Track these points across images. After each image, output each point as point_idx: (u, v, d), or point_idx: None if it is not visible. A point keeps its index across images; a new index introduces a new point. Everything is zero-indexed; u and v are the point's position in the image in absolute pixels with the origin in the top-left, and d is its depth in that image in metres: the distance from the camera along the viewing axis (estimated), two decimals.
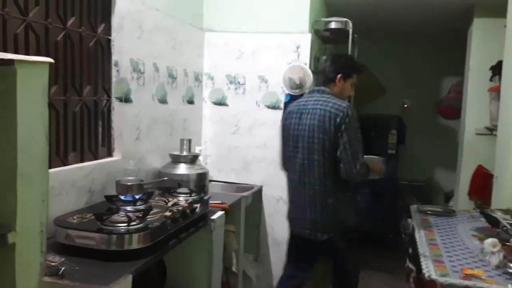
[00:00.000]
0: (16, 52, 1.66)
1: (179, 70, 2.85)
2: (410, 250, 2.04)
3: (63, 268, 1.42)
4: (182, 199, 2.15)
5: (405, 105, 5.06)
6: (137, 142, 2.43)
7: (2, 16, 1.59)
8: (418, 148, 4.98)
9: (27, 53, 1.69)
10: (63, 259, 1.49)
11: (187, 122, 3.00)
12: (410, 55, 4.92)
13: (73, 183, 1.92)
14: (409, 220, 2.39)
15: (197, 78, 3.14)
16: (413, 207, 2.78)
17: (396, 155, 4.42)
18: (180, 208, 1.97)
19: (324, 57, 3.24)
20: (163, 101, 2.68)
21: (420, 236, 2.14)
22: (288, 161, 2.37)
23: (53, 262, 1.45)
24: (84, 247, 1.58)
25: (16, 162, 1.25)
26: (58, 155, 1.91)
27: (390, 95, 5.00)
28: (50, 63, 1.36)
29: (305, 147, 2.22)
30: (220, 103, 3.19)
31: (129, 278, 1.45)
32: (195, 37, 3.06)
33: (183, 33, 2.86)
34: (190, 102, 3.07)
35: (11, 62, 1.23)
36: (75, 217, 1.74)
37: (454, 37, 4.26)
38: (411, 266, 2.02)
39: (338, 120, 2.11)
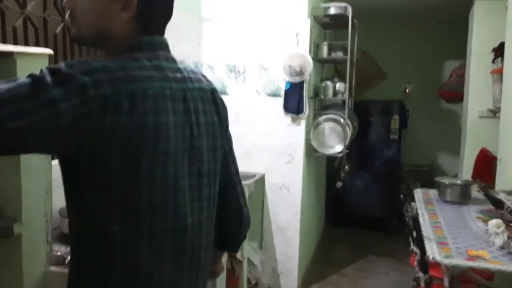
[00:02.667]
0: (15, 44, 1.65)
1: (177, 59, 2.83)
2: (414, 234, 2.05)
3: (69, 257, 1.43)
4: None
5: (407, 90, 5.03)
6: None
7: (0, 9, 1.59)
8: (420, 133, 4.97)
9: (26, 45, 1.69)
10: (68, 248, 1.51)
11: None
12: (411, 39, 4.88)
13: None
14: (412, 203, 2.40)
15: (196, 68, 3.13)
16: (417, 191, 2.79)
17: (398, 140, 4.42)
18: None
19: (325, 43, 3.22)
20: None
21: (424, 219, 2.15)
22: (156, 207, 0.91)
23: (59, 251, 1.46)
24: None
25: (19, 157, 1.26)
26: None
27: (391, 80, 4.97)
28: (49, 55, 1.37)
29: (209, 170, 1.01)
30: (220, 92, 3.17)
31: None
32: (193, 26, 3.04)
33: (181, 22, 2.84)
34: None
35: (10, 54, 1.23)
36: None
37: (456, 20, 4.22)
38: (415, 249, 2.03)
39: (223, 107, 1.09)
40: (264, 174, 3.11)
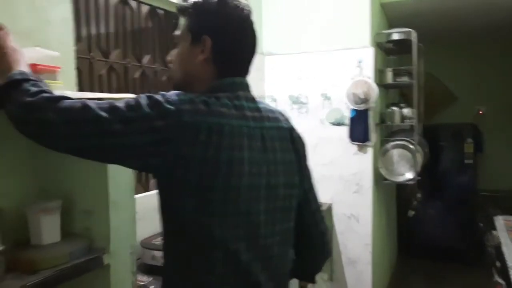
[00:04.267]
0: (101, 90, 1.84)
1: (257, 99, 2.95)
2: (498, 264, 1.92)
3: (152, 287, 1.52)
4: None
5: (480, 112, 4.78)
6: None
7: (89, 60, 1.79)
8: (498, 156, 4.66)
9: (109, 91, 1.87)
10: (150, 279, 1.60)
11: None
12: (481, 59, 4.67)
13: (154, 208, 2.05)
14: (494, 232, 2.25)
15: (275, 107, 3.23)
16: (498, 219, 2.62)
17: (474, 165, 4.18)
18: None
19: (389, 69, 3.19)
20: None
21: (508, 248, 2.01)
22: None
23: (142, 281, 1.55)
24: None
25: (107, 191, 1.38)
26: (140, 182, 2.06)
27: (462, 102, 4.76)
28: None
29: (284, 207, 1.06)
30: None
31: None
32: (256, 62, 3.15)
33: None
34: None
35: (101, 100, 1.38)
36: (159, 239, 1.86)
37: None
38: (500, 280, 1.89)
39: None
40: (331, 204, 3.09)
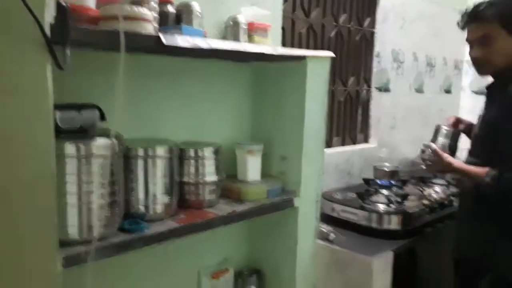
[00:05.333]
0: (300, 47, 1.96)
1: (438, 58, 2.76)
2: None
3: (332, 235, 1.64)
4: (438, 190, 2.13)
5: None
6: (392, 130, 2.50)
7: (291, 19, 1.91)
8: None
9: (308, 48, 1.98)
10: (331, 227, 1.71)
11: (442, 112, 2.88)
12: None
13: (336, 164, 2.15)
14: None
15: (457, 66, 2.97)
16: None
17: None
18: (437, 198, 1.96)
19: None
20: (419, 90, 2.66)
21: None
22: None
23: (324, 228, 1.68)
24: (347, 220, 1.77)
25: (302, 141, 1.51)
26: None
27: None
28: (331, 57, 1.58)
29: None
30: (482, 92, 2.92)
31: (391, 254, 1.55)
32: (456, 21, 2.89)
33: (446, 19, 2.74)
34: (447, 91, 2.93)
35: (303, 57, 1.48)
36: (338, 193, 1.96)
37: None
38: None
39: None
40: None
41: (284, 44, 1.84)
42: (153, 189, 1.14)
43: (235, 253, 1.65)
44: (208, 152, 1.29)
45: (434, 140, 1.71)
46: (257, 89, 1.63)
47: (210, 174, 1.30)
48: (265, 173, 1.56)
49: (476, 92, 2.96)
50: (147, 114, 1.34)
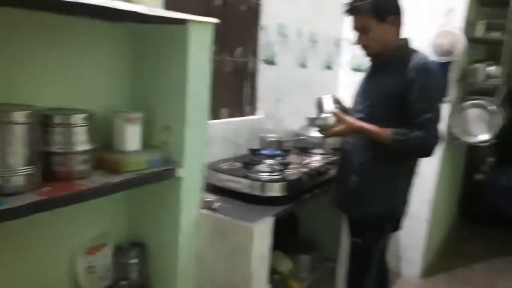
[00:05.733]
0: (184, 12, 1.88)
1: (320, 35, 2.90)
2: None
3: (216, 204, 1.64)
4: (317, 159, 2.26)
5: None
6: (278, 103, 2.58)
7: None
8: None
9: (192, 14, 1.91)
10: (216, 197, 1.72)
11: (324, 87, 3.05)
12: None
13: (223, 135, 2.15)
14: None
15: (337, 44, 3.15)
16: None
17: None
18: (316, 166, 2.08)
19: (481, 22, 2.95)
20: (303, 65, 2.77)
21: None
22: None
23: (208, 198, 1.67)
24: (232, 190, 1.79)
25: (185, 110, 1.48)
26: (212, 109, 2.14)
27: None
28: (214, 24, 1.55)
29: None
30: (359, 69, 3.16)
31: (271, 220, 1.61)
32: (338, 1, 3.05)
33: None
34: (329, 67, 3.11)
35: (185, 21, 1.43)
36: (225, 164, 1.97)
37: None
38: None
39: None
40: None
41: (167, 7, 1.75)
42: (10, 160, 1.02)
43: (115, 227, 1.58)
44: (78, 119, 1.18)
45: (320, 111, 1.81)
46: (136, 53, 1.54)
47: (81, 143, 1.20)
48: (147, 143, 1.50)
49: (354, 69, 3.19)
50: (6, 77, 1.18)
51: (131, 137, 1.43)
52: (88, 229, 1.48)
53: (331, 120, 1.75)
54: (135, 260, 1.53)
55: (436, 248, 3.45)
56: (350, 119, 1.75)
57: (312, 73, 2.89)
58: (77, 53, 1.36)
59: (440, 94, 1.66)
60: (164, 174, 1.44)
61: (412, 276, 3.05)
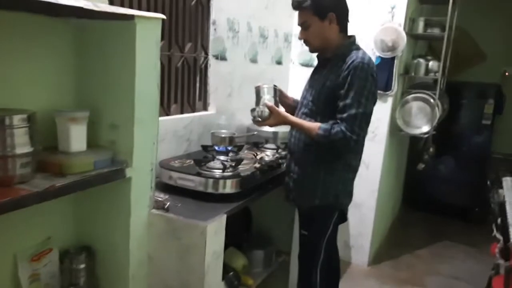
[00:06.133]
0: (130, 8, 1.82)
1: (270, 30, 2.91)
2: (499, 221, 1.98)
3: (168, 204, 1.61)
4: (269, 154, 2.28)
5: (506, 73, 4.65)
6: (229, 98, 2.57)
7: None
8: None
9: (139, 10, 1.85)
10: (167, 196, 1.69)
11: (274, 82, 3.07)
12: None
13: (174, 132, 2.11)
14: (500, 190, 2.29)
15: (287, 39, 3.18)
16: (506, 179, 2.64)
17: (491, 126, 4.14)
18: (268, 161, 2.09)
19: (421, 19, 3.09)
20: (254, 60, 2.77)
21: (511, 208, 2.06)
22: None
23: (159, 197, 1.64)
24: (184, 188, 1.77)
25: (134, 108, 1.43)
26: (163, 106, 2.10)
27: (490, 62, 4.61)
28: (162, 19, 1.51)
29: None
30: (308, 64, 3.22)
31: (224, 217, 1.60)
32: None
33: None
34: (279, 62, 3.13)
35: (131, 17, 1.38)
36: (176, 161, 1.94)
37: None
38: (498, 236, 1.96)
39: None
40: None
41: (114, 3, 1.69)
42: None
43: (61, 231, 1.51)
44: (16, 120, 1.11)
45: (258, 100, 1.82)
46: (81, 50, 1.47)
47: (20, 146, 1.13)
48: (93, 143, 1.45)
49: (303, 64, 3.24)
50: None
51: (76, 137, 1.37)
52: (32, 234, 1.40)
53: (265, 112, 1.78)
54: (83, 265, 1.47)
55: (382, 236, 3.61)
56: (283, 113, 1.81)
57: (263, 68, 2.90)
58: (15, 49, 1.28)
59: (370, 92, 1.67)
60: (112, 175, 1.39)
61: (361, 264, 3.17)
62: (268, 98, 1.83)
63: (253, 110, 1.82)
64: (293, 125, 1.83)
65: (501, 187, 2.46)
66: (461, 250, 3.57)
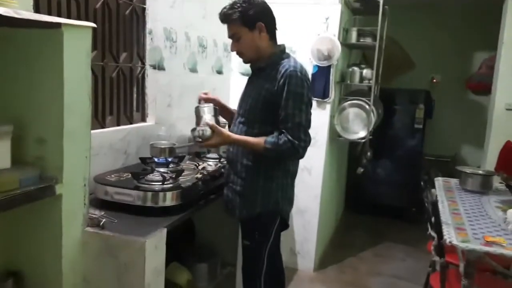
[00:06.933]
0: (59, 16, 1.74)
1: (209, 40, 2.90)
2: (433, 219, 2.08)
3: (103, 220, 1.54)
4: (211, 164, 2.25)
5: (434, 80, 4.97)
6: (169, 108, 2.52)
7: None
8: (445, 124, 4.92)
9: (68, 18, 1.77)
10: (102, 212, 1.61)
11: (216, 91, 3.06)
12: (441, 28, 4.80)
13: (110, 145, 2.03)
14: (432, 190, 2.42)
15: (226, 49, 3.19)
16: (438, 180, 2.80)
17: (422, 130, 4.39)
18: (210, 171, 2.07)
19: (354, 29, 3.22)
20: (193, 70, 2.75)
21: (443, 206, 2.18)
22: None
23: (94, 214, 1.56)
24: (121, 203, 1.70)
25: (62, 120, 1.35)
26: (97, 118, 2.01)
27: (419, 69, 4.90)
28: (92, 28, 1.45)
29: None
30: (248, 73, 3.22)
31: (164, 231, 1.55)
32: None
33: (215, 2, 2.88)
34: (219, 72, 3.12)
35: (58, 25, 1.31)
36: (113, 175, 1.86)
37: (488, 10, 4.13)
38: (432, 233, 2.06)
39: None
40: None
41: (38, 11, 1.60)
42: None
43: None
44: None
45: (199, 120, 1.79)
46: (2, 60, 1.37)
47: None
48: (18, 159, 1.34)
49: (243, 74, 3.25)
50: None
51: None
52: None
53: (207, 131, 1.74)
54: None
55: (327, 240, 3.69)
56: (226, 132, 1.78)
57: (203, 78, 2.88)
58: None
59: (308, 98, 1.72)
60: (39, 193, 1.30)
61: (307, 270, 3.21)
62: (209, 118, 1.78)
63: (193, 130, 1.77)
64: (238, 143, 1.80)
65: (434, 187, 2.61)
66: (401, 250, 3.73)
